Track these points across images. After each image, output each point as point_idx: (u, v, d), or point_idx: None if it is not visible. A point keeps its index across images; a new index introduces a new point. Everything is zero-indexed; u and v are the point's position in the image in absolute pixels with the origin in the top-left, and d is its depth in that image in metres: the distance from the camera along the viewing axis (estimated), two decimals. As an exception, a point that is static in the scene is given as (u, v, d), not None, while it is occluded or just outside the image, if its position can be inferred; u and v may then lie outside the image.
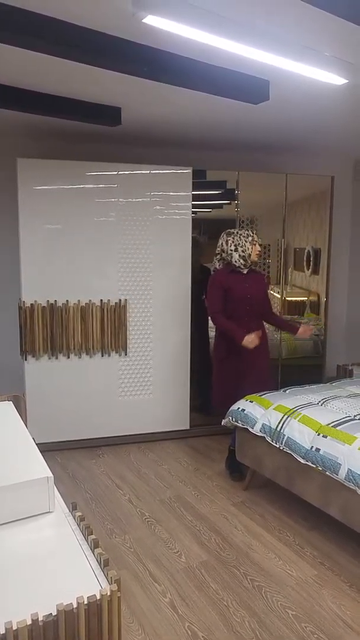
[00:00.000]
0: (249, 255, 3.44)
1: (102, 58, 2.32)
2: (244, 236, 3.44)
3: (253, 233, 3.48)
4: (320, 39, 2.26)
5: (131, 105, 3.31)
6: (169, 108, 3.35)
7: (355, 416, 2.91)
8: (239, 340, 3.34)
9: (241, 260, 3.44)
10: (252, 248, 3.44)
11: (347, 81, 2.70)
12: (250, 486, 3.43)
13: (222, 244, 3.49)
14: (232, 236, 3.45)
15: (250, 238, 3.44)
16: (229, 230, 3.51)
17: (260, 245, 3.53)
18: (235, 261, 3.44)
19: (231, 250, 3.44)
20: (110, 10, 2.02)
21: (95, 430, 4.10)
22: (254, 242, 3.45)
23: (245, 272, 3.47)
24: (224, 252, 3.48)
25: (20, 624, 1.02)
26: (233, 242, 3.44)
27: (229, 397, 3.47)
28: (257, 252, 3.48)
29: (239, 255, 3.43)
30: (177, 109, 3.36)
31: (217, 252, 3.54)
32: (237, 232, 3.46)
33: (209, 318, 3.55)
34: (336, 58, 2.45)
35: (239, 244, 3.43)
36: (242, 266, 3.45)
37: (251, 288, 3.47)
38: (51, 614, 1.06)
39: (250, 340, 3.32)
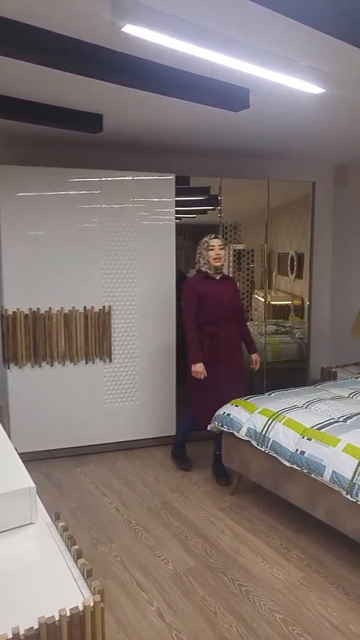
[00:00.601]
0: (208, 261, 3.50)
1: (83, 66, 2.32)
2: (202, 243, 3.54)
3: (211, 238, 3.51)
4: (298, 50, 2.28)
5: (113, 112, 3.31)
6: (150, 115, 3.36)
7: (339, 418, 2.93)
8: (191, 361, 3.47)
9: (206, 267, 3.52)
10: (207, 254, 3.50)
11: (324, 90, 2.74)
12: (236, 490, 3.43)
13: (197, 252, 3.61)
14: (200, 244, 3.56)
15: (205, 244, 3.51)
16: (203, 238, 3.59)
17: (221, 248, 3.51)
18: (204, 268, 3.53)
19: (198, 258, 3.56)
20: (90, 19, 2.03)
21: (81, 439, 4.07)
22: (210, 248, 3.49)
23: (217, 278, 3.54)
24: (198, 261, 3.59)
25: (1, 638, 1.01)
26: (199, 250, 3.56)
27: (208, 408, 3.51)
28: (215, 257, 3.49)
29: (203, 263, 3.53)
30: (159, 116, 3.37)
31: (196, 261, 3.64)
32: (202, 240, 3.55)
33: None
34: (313, 68, 2.48)
35: (200, 251, 3.55)
36: (210, 272, 3.52)
37: (226, 294, 3.55)
38: (33, 627, 1.05)
39: (200, 371, 3.43)
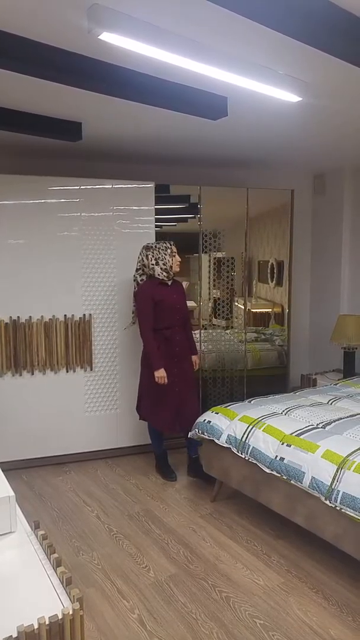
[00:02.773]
0: (171, 267, 3.55)
1: (60, 74, 2.34)
2: (162, 249, 3.54)
3: (171, 245, 3.57)
4: (275, 58, 2.33)
5: (92, 121, 3.33)
6: (129, 123, 3.38)
7: (318, 425, 2.96)
8: (155, 369, 3.49)
9: (164, 273, 3.54)
10: (172, 260, 3.55)
11: (301, 99, 2.79)
12: (217, 498, 3.44)
13: (142, 259, 3.59)
14: (152, 250, 3.55)
15: (169, 250, 3.55)
16: (147, 244, 3.60)
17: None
18: (158, 274, 3.54)
19: (152, 264, 3.54)
20: (67, 26, 2.05)
21: (62, 447, 4.05)
22: (173, 254, 3.56)
23: (169, 283, 3.60)
24: (145, 266, 3.58)
25: (-21, 648, 1.01)
26: (153, 256, 3.54)
27: (166, 411, 3.61)
28: (178, 263, 3.59)
29: (161, 269, 3.53)
30: (138, 124, 3.39)
31: (137, 267, 3.65)
32: (156, 246, 3.55)
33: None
34: (290, 77, 2.53)
35: (159, 257, 3.54)
36: (165, 278, 3.56)
37: (177, 298, 3.63)
38: (11, 636, 1.05)
39: (163, 376, 3.48)
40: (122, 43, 2.06)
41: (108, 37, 2.02)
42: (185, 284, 4.10)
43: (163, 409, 3.60)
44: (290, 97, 2.73)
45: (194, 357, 3.77)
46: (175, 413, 3.61)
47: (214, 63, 2.27)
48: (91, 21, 1.95)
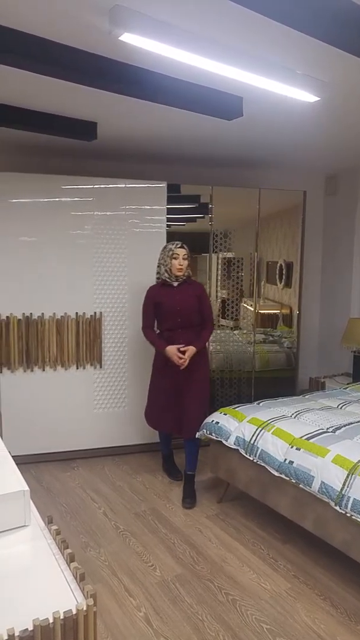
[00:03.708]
0: (170, 269, 3.45)
1: (77, 74, 2.35)
2: (166, 251, 3.49)
3: (175, 247, 3.44)
4: (293, 58, 2.33)
5: (107, 120, 3.34)
6: (144, 123, 3.39)
7: (328, 429, 2.96)
8: (161, 350, 3.44)
9: (165, 274, 3.48)
10: (171, 262, 3.45)
11: (319, 99, 2.78)
12: (224, 499, 3.44)
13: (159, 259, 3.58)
14: (161, 252, 3.54)
15: (170, 252, 3.45)
16: (164, 246, 3.57)
17: (185, 258, 3.44)
18: (162, 275, 3.50)
19: (159, 264, 3.53)
20: (86, 28, 2.06)
21: (70, 443, 4.07)
22: (174, 256, 3.43)
23: (175, 284, 3.49)
24: (158, 267, 3.56)
25: (-4, 640, 1.02)
26: (161, 257, 3.52)
27: (154, 412, 3.63)
28: (178, 267, 3.42)
29: (164, 270, 3.48)
30: (152, 124, 3.40)
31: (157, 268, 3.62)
32: (164, 247, 3.52)
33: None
34: (308, 76, 2.53)
35: (162, 259, 3.51)
36: (168, 280, 3.48)
37: (181, 300, 3.47)
38: (27, 629, 1.06)
39: (173, 352, 3.38)
40: (142, 44, 2.07)
41: (128, 37, 2.03)
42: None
43: (155, 408, 3.61)
44: (307, 96, 2.73)
45: (190, 347, 3.41)
46: (176, 417, 3.53)
47: (233, 63, 2.27)
48: (112, 22, 1.96)
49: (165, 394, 3.56)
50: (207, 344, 3.67)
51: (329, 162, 4.83)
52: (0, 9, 1.93)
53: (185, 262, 3.46)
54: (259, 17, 1.87)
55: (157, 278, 3.56)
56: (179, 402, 3.51)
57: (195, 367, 3.48)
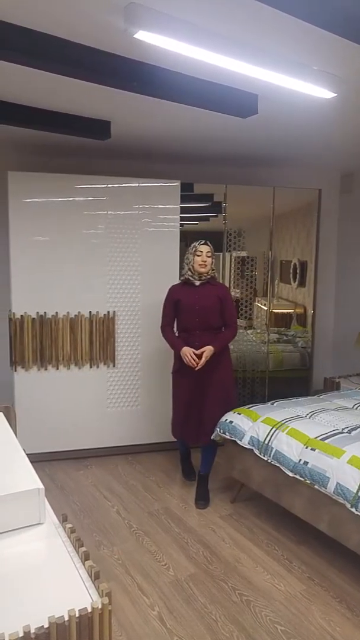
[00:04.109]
0: (192, 266, 3.38)
1: (92, 73, 2.35)
2: (190, 247, 3.42)
3: (200, 243, 3.37)
4: (309, 53, 2.30)
5: (121, 119, 3.34)
6: (158, 122, 3.38)
7: (343, 429, 2.93)
8: (177, 351, 3.37)
9: (189, 272, 3.41)
10: (194, 258, 3.37)
11: (336, 95, 2.75)
12: (237, 499, 3.43)
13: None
14: (187, 251, 3.47)
15: (193, 249, 3.38)
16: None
17: (209, 255, 3.36)
18: (185, 273, 3.45)
19: (183, 264, 3.49)
20: (101, 25, 2.06)
21: (84, 442, 4.08)
22: (197, 253, 3.36)
23: (197, 283, 3.41)
24: (183, 266, 3.53)
25: (12, 637, 1.02)
26: (186, 256, 3.47)
27: (177, 423, 3.52)
28: (200, 263, 3.34)
29: (187, 268, 3.42)
30: (166, 122, 3.39)
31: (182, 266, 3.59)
32: (191, 245, 3.43)
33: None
34: (325, 72, 2.50)
35: (186, 257, 3.45)
36: (191, 278, 3.41)
37: (201, 300, 3.37)
38: (43, 626, 1.06)
39: (189, 354, 3.27)
40: (157, 41, 2.06)
41: (143, 35, 2.02)
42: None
43: (182, 421, 3.49)
44: (324, 93, 2.69)
45: (208, 347, 3.28)
46: (196, 426, 3.44)
47: (247, 59, 2.25)
48: (127, 20, 1.96)
49: (185, 404, 3.44)
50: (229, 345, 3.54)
51: (345, 160, 4.79)
52: (15, 9, 1.94)
53: (209, 260, 3.37)
54: (273, 12, 1.85)
55: (181, 276, 3.52)
56: (200, 408, 3.41)
57: (214, 368, 3.36)
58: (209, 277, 3.41)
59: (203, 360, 3.27)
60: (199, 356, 3.29)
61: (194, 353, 3.29)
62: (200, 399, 3.42)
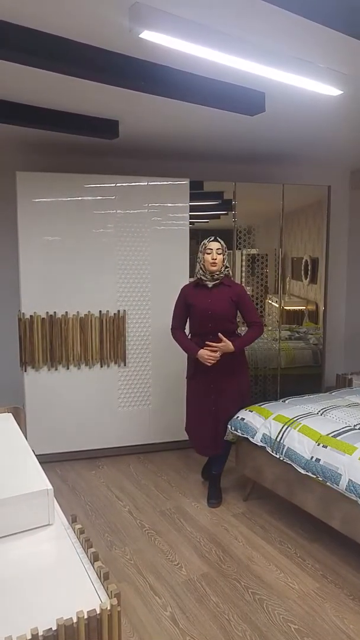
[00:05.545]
0: (203, 265, 3.18)
1: (99, 73, 2.35)
2: (200, 246, 3.23)
3: (208, 240, 3.17)
4: (315, 51, 2.28)
5: (129, 118, 3.33)
6: (166, 120, 3.37)
7: (355, 426, 2.90)
8: (194, 355, 3.19)
9: (200, 272, 3.21)
10: (204, 257, 3.17)
11: (342, 92, 2.73)
12: (250, 497, 3.41)
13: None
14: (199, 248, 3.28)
15: (203, 247, 3.18)
16: None
17: (219, 252, 3.15)
18: (197, 273, 3.25)
19: (197, 262, 3.29)
20: (107, 26, 2.05)
21: (95, 441, 4.08)
22: (207, 251, 3.15)
23: (210, 285, 3.20)
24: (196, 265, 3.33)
25: (20, 639, 1.01)
26: (198, 254, 3.27)
27: (192, 423, 3.42)
28: (211, 261, 3.13)
29: (199, 267, 3.23)
30: (174, 121, 3.38)
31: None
32: (202, 243, 3.24)
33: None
34: (331, 69, 2.48)
35: (198, 255, 3.26)
36: (203, 278, 3.21)
37: (214, 304, 3.18)
38: (51, 628, 1.06)
39: (207, 355, 3.13)
40: (162, 41, 2.05)
41: (148, 35, 2.01)
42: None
43: (197, 430, 3.39)
44: (331, 90, 2.68)
45: (228, 342, 3.13)
46: (210, 434, 3.33)
47: (254, 58, 2.24)
48: (132, 20, 1.95)
49: (200, 414, 3.33)
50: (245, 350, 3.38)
51: (354, 156, 4.74)
52: (22, 10, 1.94)
53: (220, 257, 3.15)
54: (279, 11, 1.83)
55: (195, 276, 3.32)
56: (215, 416, 3.30)
57: (230, 371, 3.23)
58: (222, 275, 3.20)
59: (218, 354, 3.14)
60: (214, 351, 3.15)
61: (211, 346, 3.15)
62: (214, 408, 3.30)
